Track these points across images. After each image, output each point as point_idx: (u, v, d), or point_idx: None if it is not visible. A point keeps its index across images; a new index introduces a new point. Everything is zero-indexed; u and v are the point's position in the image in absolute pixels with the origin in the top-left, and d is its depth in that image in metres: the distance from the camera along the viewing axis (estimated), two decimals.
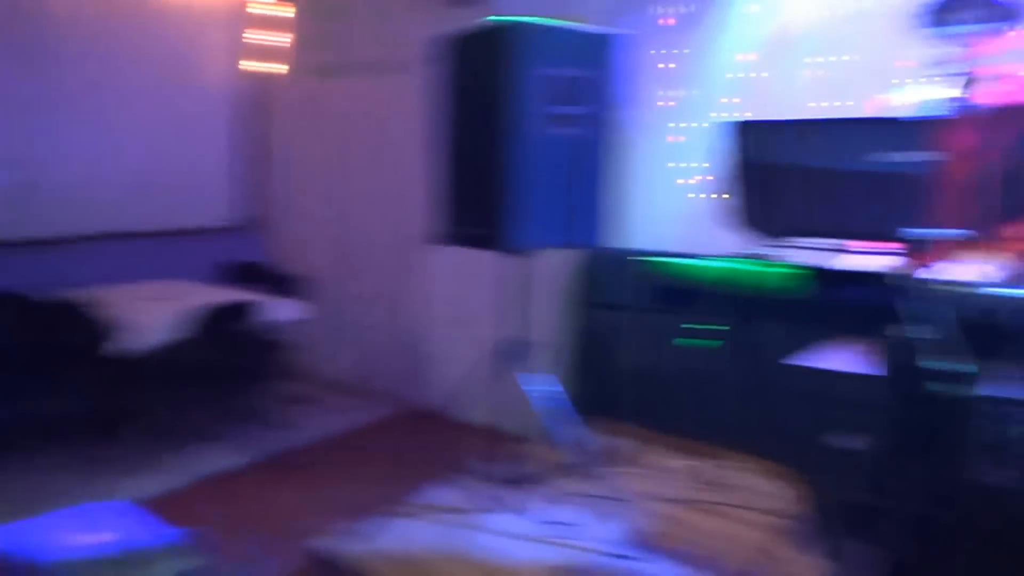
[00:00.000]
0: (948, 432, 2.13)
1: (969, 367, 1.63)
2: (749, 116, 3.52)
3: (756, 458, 3.46)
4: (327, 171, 5.08)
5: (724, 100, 3.72)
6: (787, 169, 1.69)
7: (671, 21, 3.89)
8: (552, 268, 4.22)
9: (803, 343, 3.05)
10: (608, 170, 2.81)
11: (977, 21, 2.09)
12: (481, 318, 3.59)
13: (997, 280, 2.00)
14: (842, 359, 2.82)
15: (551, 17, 2.59)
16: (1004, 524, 2.48)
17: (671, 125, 3.86)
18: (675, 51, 3.90)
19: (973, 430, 2.15)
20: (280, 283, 4.33)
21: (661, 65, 3.90)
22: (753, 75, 3.64)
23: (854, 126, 1.76)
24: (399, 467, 3.62)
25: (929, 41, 2.27)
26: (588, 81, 2.56)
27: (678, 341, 1.97)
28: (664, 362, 3.34)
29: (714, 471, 3.52)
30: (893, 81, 2.78)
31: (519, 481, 3.39)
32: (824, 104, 3.42)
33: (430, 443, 3.20)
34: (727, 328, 2.30)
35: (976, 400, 2.12)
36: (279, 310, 4.07)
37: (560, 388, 3.74)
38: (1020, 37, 2.15)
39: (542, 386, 3.14)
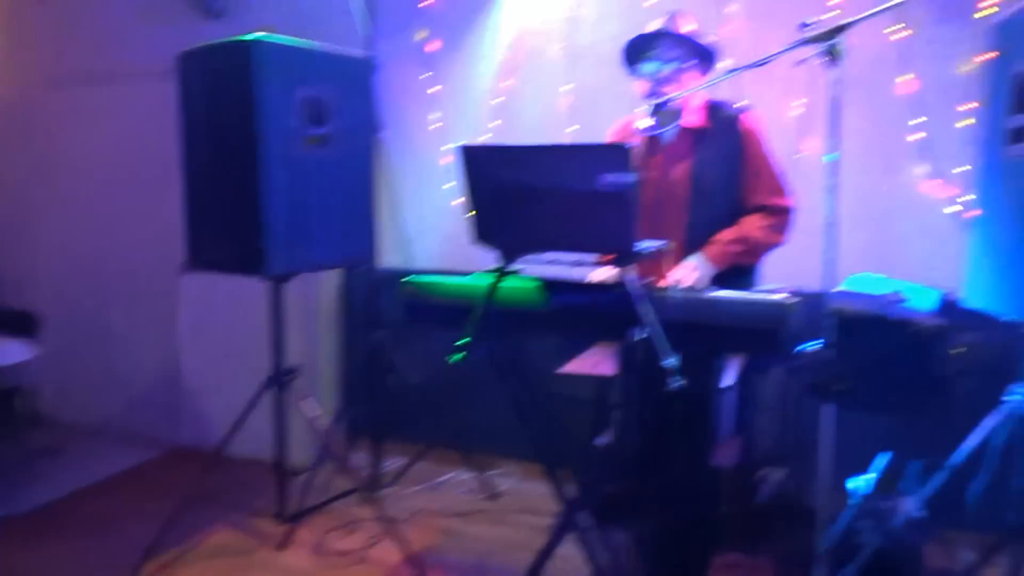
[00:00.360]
0: (678, 423, 2.38)
1: (677, 361, 1.81)
2: (477, 141, 3.77)
3: (530, 463, 3.64)
4: (72, 194, 4.62)
5: (489, 124, 3.91)
6: (515, 190, 1.80)
7: (436, 46, 3.99)
8: (321, 290, 4.18)
9: (566, 351, 3.27)
10: (368, 190, 2.82)
11: (667, 60, 2.39)
12: (252, 347, 3.44)
13: (703, 285, 2.28)
14: (597, 363, 3.05)
15: (305, 38, 2.57)
16: (732, 503, 2.81)
17: (443, 148, 3.96)
18: (442, 75, 4.01)
19: (699, 419, 2.42)
20: (5, 322, 3.87)
21: (430, 90, 4.00)
22: (502, 99, 3.86)
23: (571, 151, 1.91)
24: (169, 512, 3.35)
25: (633, 74, 2.56)
26: (342, 102, 2.55)
27: (450, 357, 2.01)
28: (439, 378, 3.40)
29: (491, 480, 3.65)
30: (634, 109, 3.07)
31: (303, 513, 3.28)
32: (574, 128, 3.74)
33: (204, 484, 3.00)
34: (494, 341, 2.39)
35: (698, 391, 2.39)
36: (4, 352, 3.63)
37: (339, 412, 3.69)
38: (707, 72, 2.49)
39: (320, 412, 3.07)
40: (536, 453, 2.64)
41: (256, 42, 2.31)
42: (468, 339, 1.93)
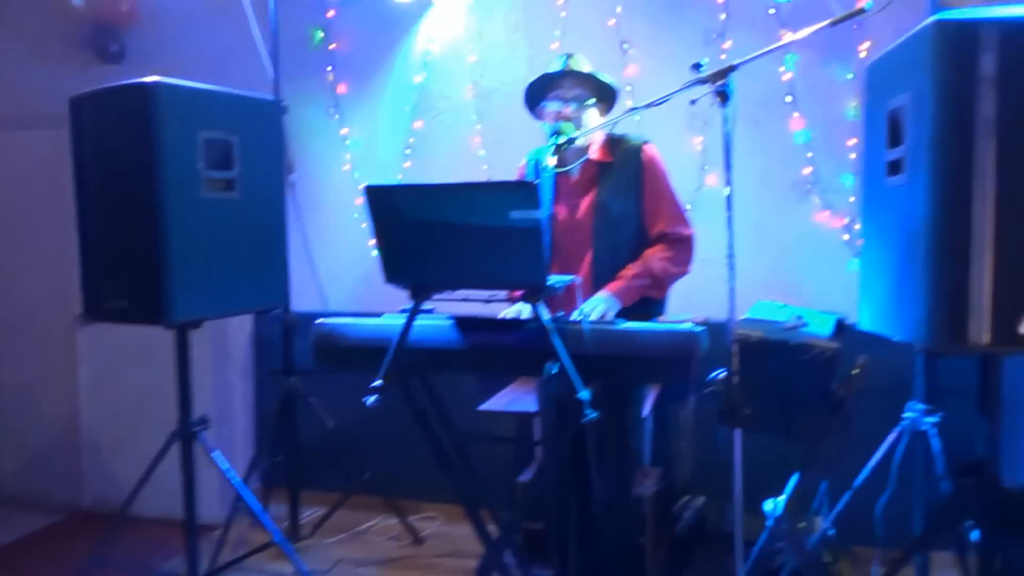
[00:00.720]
0: (598, 455, 2.39)
1: (589, 393, 1.83)
2: (388, 181, 3.79)
3: (454, 505, 3.59)
4: None
5: (403, 164, 3.91)
6: (423, 229, 1.80)
7: (346, 88, 3.99)
8: (233, 336, 4.05)
9: (487, 389, 3.25)
10: (278, 233, 2.77)
11: (570, 98, 2.46)
12: (159, 398, 3.29)
13: (612, 317, 2.32)
14: (517, 400, 3.05)
15: (211, 81, 2.52)
16: (654, 533, 2.83)
17: (355, 188, 3.94)
18: (354, 117, 4.01)
19: (618, 450, 2.45)
20: None
21: (342, 131, 3.99)
22: (413, 140, 3.88)
23: (480, 189, 1.93)
24: None
25: (537, 114, 2.62)
26: (249, 145, 2.51)
27: (367, 401, 1.97)
28: (356, 423, 3.33)
29: (415, 525, 3.57)
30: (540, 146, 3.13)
31: (216, 571, 3.12)
32: (485, 167, 3.79)
33: (109, 548, 2.82)
34: (410, 382, 2.36)
35: (617, 422, 2.42)
36: None
37: (252, 463, 3.55)
38: (609, 110, 2.58)
39: (233, 465, 2.95)
40: (458, 495, 2.60)
41: (154, 84, 2.25)
42: (380, 382, 1.90)
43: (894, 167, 1.88)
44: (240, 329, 4.03)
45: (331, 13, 3.93)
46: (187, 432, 2.74)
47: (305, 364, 3.09)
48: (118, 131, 2.32)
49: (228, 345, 4.03)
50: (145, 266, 2.31)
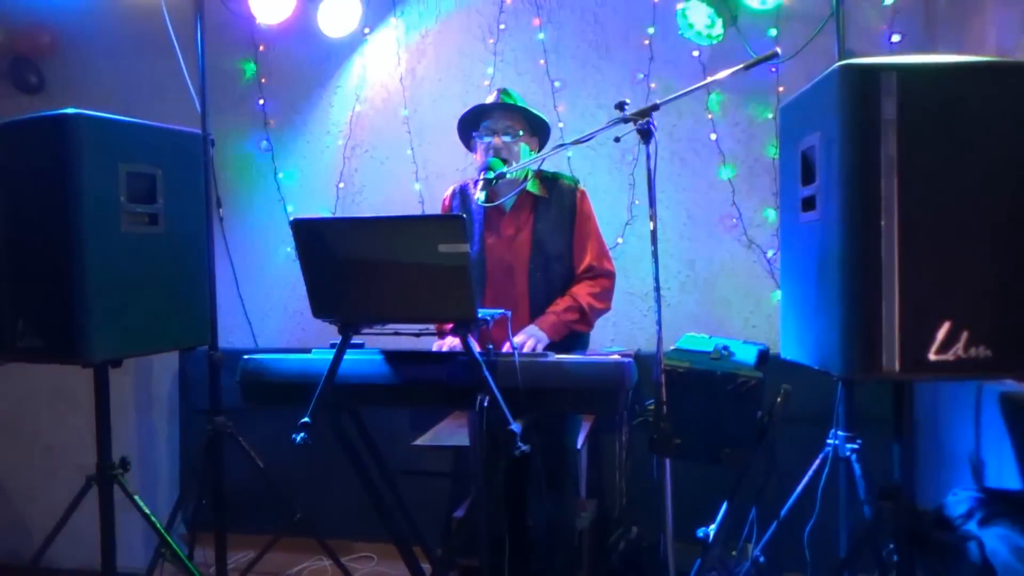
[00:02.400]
0: (533, 486, 2.39)
1: (523, 424, 1.84)
2: (320, 215, 3.78)
3: (389, 543, 3.50)
4: None
5: (334, 198, 3.88)
6: (352, 263, 1.79)
7: (278, 120, 3.96)
8: (157, 375, 3.92)
9: (420, 423, 3.22)
10: (204, 268, 2.70)
11: (502, 131, 2.50)
12: (77, 442, 3.14)
13: (541, 350, 2.34)
14: (452, 434, 3.02)
15: (136, 113, 2.47)
16: (590, 564, 2.83)
17: (286, 223, 3.89)
18: (286, 150, 3.97)
19: (554, 482, 2.45)
20: None
21: (275, 164, 3.94)
22: (346, 174, 3.88)
23: (408, 222, 1.93)
24: None
25: (469, 146, 2.65)
26: (174, 178, 2.45)
27: (296, 438, 1.92)
28: (286, 462, 3.24)
29: (348, 566, 3.47)
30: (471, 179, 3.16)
31: None
32: (419, 201, 3.80)
33: None
34: (340, 418, 2.31)
35: (551, 453, 2.43)
36: None
37: (176, 506, 3.41)
38: (541, 144, 2.63)
39: (156, 509, 2.82)
40: (391, 533, 2.55)
41: (72, 116, 2.18)
42: (308, 419, 1.86)
43: (808, 203, 1.96)
44: (164, 368, 3.89)
45: (262, 47, 3.91)
46: (106, 475, 2.61)
47: (232, 402, 3.00)
48: (34, 163, 2.23)
49: (152, 384, 3.89)
50: (61, 302, 2.21)
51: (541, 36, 3.63)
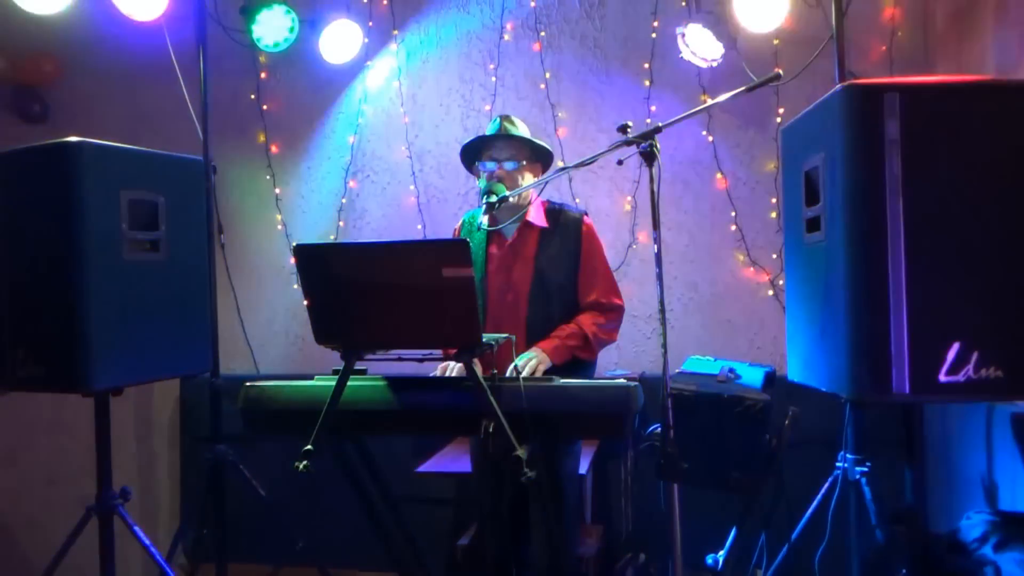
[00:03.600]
0: (538, 513, 2.36)
1: (528, 451, 1.81)
2: (322, 241, 3.78)
3: (392, 572, 3.46)
4: None
5: (338, 223, 3.89)
6: (355, 289, 1.78)
7: (279, 147, 3.98)
8: (158, 403, 3.90)
9: (423, 449, 3.19)
10: (206, 295, 2.69)
11: (504, 159, 2.50)
12: (79, 472, 3.11)
13: (543, 371, 2.32)
14: (455, 460, 2.99)
15: (138, 142, 2.47)
16: None
17: (292, 246, 3.89)
18: (287, 177, 3.99)
19: (559, 508, 2.41)
20: None
21: (277, 190, 3.96)
22: (345, 200, 3.89)
23: (411, 247, 1.93)
24: None
25: (473, 173, 2.66)
26: (176, 205, 2.45)
27: (298, 466, 1.90)
28: (288, 491, 3.21)
29: None
30: (475, 206, 3.15)
31: None
32: (419, 226, 3.80)
33: None
34: (343, 446, 2.29)
35: (555, 479, 2.40)
36: None
37: (178, 536, 3.37)
38: (543, 171, 2.63)
39: (157, 540, 2.79)
40: (395, 561, 2.51)
41: (75, 143, 2.19)
42: (311, 447, 1.84)
43: (812, 224, 1.95)
44: (165, 395, 3.88)
45: (264, 75, 3.94)
46: (106, 506, 2.58)
47: (234, 430, 2.97)
48: (36, 191, 2.23)
49: (152, 412, 3.87)
50: (62, 330, 2.20)
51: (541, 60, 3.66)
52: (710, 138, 3.50)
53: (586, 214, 2.61)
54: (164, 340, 2.43)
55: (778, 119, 3.41)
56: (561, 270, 2.51)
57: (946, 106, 1.72)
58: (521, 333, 2.43)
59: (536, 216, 2.55)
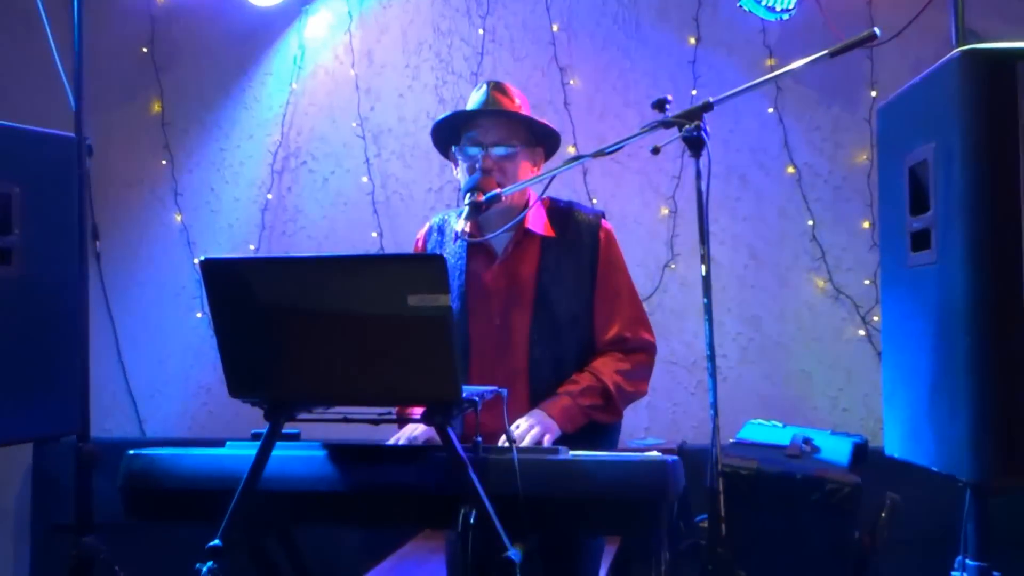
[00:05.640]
0: None
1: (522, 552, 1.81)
2: (237, 253, 3.82)
3: None
4: None
5: (260, 227, 3.91)
6: (286, 321, 1.78)
7: (175, 123, 4.00)
8: (1, 478, 3.88)
9: (376, 546, 3.18)
10: (75, 325, 2.69)
11: (492, 143, 2.51)
12: None
13: (549, 444, 2.32)
14: (419, 564, 2.99)
15: None
16: None
17: (194, 261, 3.92)
18: (192, 161, 4.01)
19: None
20: None
21: (177, 180, 3.97)
22: (274, 197, 3.92)
23: (365, 264, 1.93)
24: None
25: (453, 157, 2.67)
26: (35, 200, 2.46)
27: (202, 569, 1.89)
28: None
29: None
30: (452, 207, 3.16)
31: None
32: (374, 235, 3.82)
33: None
34: (264, 540, 2.29)
35: None
36: None
37: None
38: (545, 159, 2.65)
39: None
40: None
41: None
42: (219, 542, 1.83)
43: (919, 239, 1.97)
44: (13, 466, 3.86)
45: (161, 22, 3.96)
46: None
47: (109, 516, 2.95)
48: None
49: None
50: None
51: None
52: (779, 119, 3.54)
53: (604, 216, 2.63)
54: (13, 388, 2.43)
55: (873, 94, 3.46)
56: (573, 295, 2.51)
57: None
58: (519, 385, 2.43)
59: (537, 221, 2.56)
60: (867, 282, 3.48)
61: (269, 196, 3.93)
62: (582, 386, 2.44)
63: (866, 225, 3.49)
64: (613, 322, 2.54)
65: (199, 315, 3.90)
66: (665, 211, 3.64)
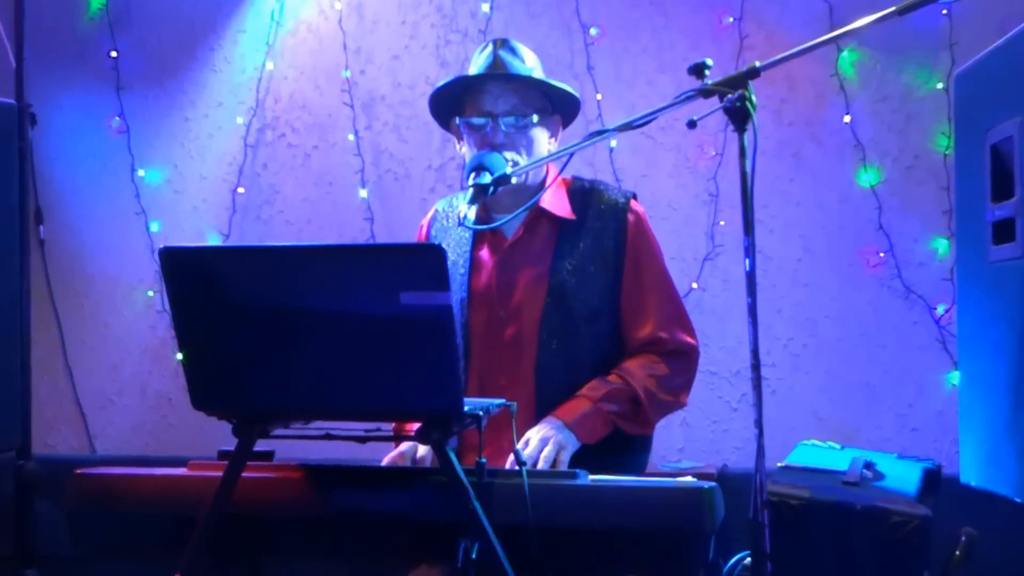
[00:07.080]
0: None
1: None
2: (204, 243, 3.85)
3: None
4: None
5: (231, 211, 3.94)
6: (260, 321, 1.80)
7: (133, 90, 4.02)
8: None
9: None
10: (16, 327, 2.72)
11: (502, 111, 2.52)
12: None
13: (566, 460, 2.33)
14: None
15: None
16: None
17: (155, 251, 3.93)
18: (155, 133, 4.03)
19: None
20: None
21: (135, 155, 3.99)
22: (248, 177, 3.95)
23: (353, 256, 1.94)
24: None
25: (455, 130, 2.69)
26: None
27: None
28: None
29: None
30: (456, 190, 3.17)
31: None
32: (365, 222, 3.83)
33: None
34: (237, 572, 2.32)
35: None
36: None
37: None
38: (562, 129, 2.65)
39: None
40: None
41: None
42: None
43: (1002, 230, 1.98)
44: None
45: None
46: None
47: (54, 546, 2.99)
48: None
49: None
50: None
51: None
52: (840, 87, 3.54)
53: (634, 197, 2.63)
54: None
55: (950, 58, 3.45)
56: (593, 286, 2.51)
57: None
58: (528, 393, 2.44)
59: (554, 201, 2.57)
60: (940, 278, 3.48)
61: (241, 173, 3.95)
62: (607, 388, 2.43)
63: (941, 211, 3.48)
64: (645, 320, 2.53)
65: (159, 311, 3.91)
66: (705, 195, 3.64)
